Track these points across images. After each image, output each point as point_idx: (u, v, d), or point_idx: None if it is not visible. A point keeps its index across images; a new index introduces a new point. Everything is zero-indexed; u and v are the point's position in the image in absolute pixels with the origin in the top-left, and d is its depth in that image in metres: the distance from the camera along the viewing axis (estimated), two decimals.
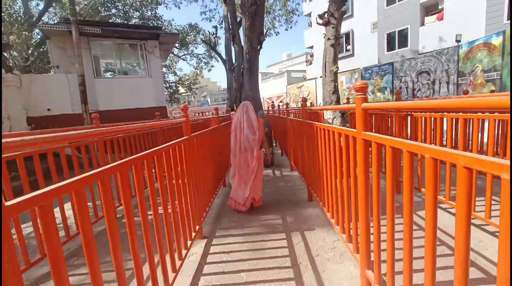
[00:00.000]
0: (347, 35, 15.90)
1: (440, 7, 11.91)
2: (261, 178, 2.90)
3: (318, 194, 2.52)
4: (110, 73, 8.91)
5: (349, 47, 15.95)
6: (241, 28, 5.60)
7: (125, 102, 7.13)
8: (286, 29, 12.30)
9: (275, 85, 22.26)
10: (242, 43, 4.60)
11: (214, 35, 10.70)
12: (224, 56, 8.82)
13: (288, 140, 4.51)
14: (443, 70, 10.30)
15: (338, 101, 4.37)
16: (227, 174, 4.15)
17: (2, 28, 7.93)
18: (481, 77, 8.81)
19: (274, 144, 6.40)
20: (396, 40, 13.00)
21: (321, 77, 18.36)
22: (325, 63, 4.45)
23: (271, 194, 3.44)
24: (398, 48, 13.05)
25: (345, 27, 15.80)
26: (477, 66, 9.04)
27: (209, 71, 19.21)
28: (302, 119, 3.04)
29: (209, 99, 36.93)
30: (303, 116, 3.06)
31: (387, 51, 13.57)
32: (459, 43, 9.36)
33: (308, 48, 19.26)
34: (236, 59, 7.26)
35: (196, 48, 18.57)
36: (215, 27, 10.68)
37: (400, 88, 11.95)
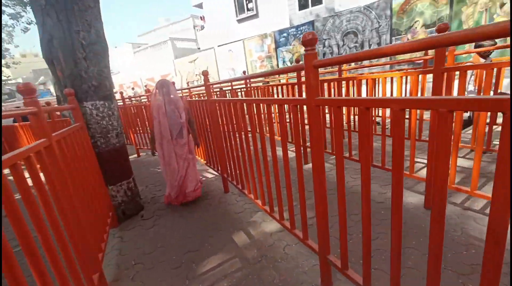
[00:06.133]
0: None
1: None
2: (195, 165, 2.66)
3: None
4: None
5: (250, 5, 12.29)
6: None
7: None
8: None
9: (157, 60, 16.04)
10: None
11: None
12: None
13: None
14: (373, 29, 8.56)
15: None
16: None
17: None
18: (422, 34, 7.48)
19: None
20: None
21: (219, 46, 13.21)
22: None
23: None
24: (311, 6, 10.49)
25: None
26: (417, 21, 7.65)
27: (24, 32, 10.82)
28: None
29: (51, 87, 24.76)
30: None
31: (299, 9, 10.86)
32: None
33: (195, 6, 14.28)
34: None
35: None
36: None
37: (324, 54, 9.71)
